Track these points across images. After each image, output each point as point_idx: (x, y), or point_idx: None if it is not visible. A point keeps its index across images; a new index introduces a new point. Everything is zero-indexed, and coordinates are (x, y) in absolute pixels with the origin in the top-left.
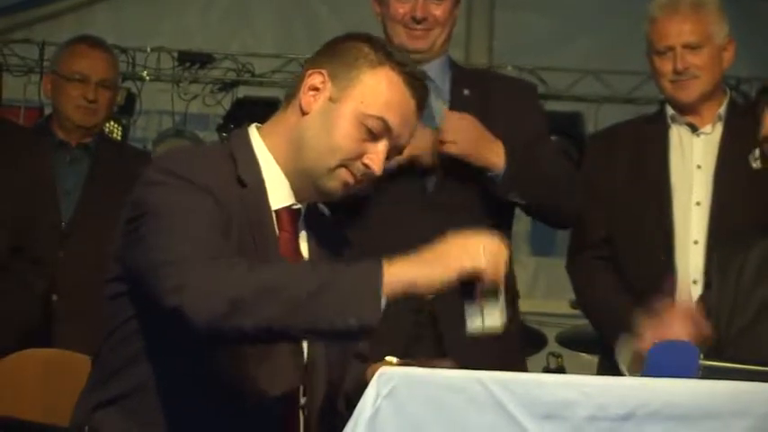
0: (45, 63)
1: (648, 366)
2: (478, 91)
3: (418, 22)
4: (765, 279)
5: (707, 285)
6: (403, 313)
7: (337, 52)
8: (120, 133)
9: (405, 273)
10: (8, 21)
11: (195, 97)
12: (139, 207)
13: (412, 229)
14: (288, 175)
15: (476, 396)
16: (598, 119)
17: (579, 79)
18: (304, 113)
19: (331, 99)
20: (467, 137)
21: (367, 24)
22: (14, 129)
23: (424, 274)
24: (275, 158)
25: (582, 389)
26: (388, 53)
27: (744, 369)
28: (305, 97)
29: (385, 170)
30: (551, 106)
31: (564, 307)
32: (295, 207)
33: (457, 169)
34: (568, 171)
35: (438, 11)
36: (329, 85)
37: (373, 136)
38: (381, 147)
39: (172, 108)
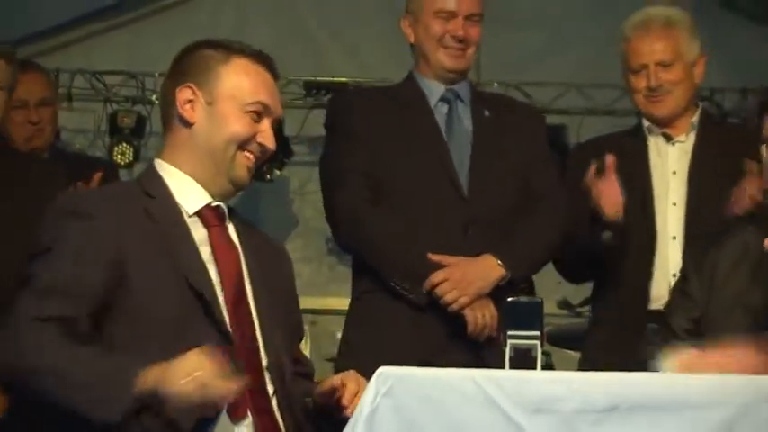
0: (60, 90)
1: None
2: (495, 112)
3: (459, 41)
4: (738, 275)
5: (683, 277)
6: (435, 317)
7: (188, 65)
8: (131, 154)
9: (151, 381)
10: (23, 51)
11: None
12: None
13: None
14: (198, 179)
15: (469, 393)
16: (581, 130)
17: (563, 93)
18: (190, 124)
19: (208, 104)
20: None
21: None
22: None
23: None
24: (180, 169)
25: (569, 384)
26: (226, 47)
27: None
28: (184, 112)
29: None
30: None
31: (552, 307)
32: (214, 205)
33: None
34: (563, 222)
35: (473, 31)
36: (199, 93)
37: (258, 116)
38: (266, 124)
39: None
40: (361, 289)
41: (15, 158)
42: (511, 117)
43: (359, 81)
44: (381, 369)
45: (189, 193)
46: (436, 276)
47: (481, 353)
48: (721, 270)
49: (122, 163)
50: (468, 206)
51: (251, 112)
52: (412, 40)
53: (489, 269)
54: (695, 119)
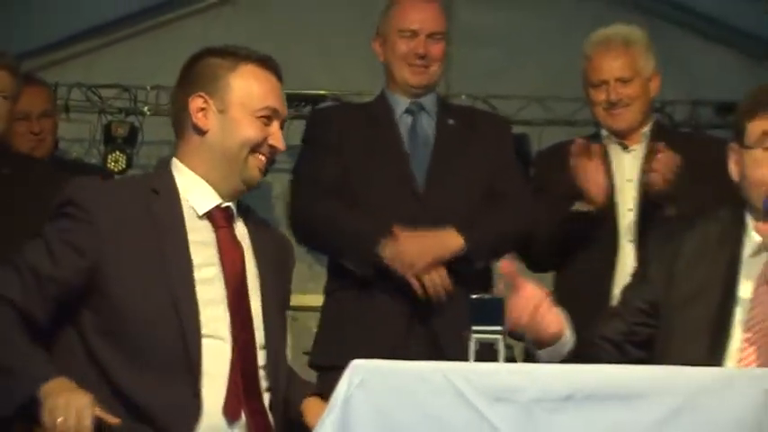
0: (58, 102)
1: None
2: (461, 122)
3: (420, 57)
4: (698, 268)
5: (645, 262)
6: (397, 312)
7: (198, 74)
8: (124, 162)
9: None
10: (24, 65)
11: None
12: None
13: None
14: (210, 181)
15: (437, 384)
16: (542, 140)
17: (525, 105)
18: (204, 132)
19: (220, 111)
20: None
21: (345, 61)
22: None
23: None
24: (194, 171)
25: (529, 375)
26: (233, 54)
27: None
28: (198, 120)
29: None
30: None
31: None
32: (224, 206)
33: (444, 180)
34: (528, 217)
35: (436, 48)
36: (211, 101)
37: (268, 120)
38: (276, 126)
39: (170, 139)
40: (333, 287)
41: (18, 161)
42: (477, 126)
43: (337, 94)
44: (355, 361)
45: (200, 195)
46: (397, 243)
47: (441, 346)
48: (682, 261)
49: (116, 170)
50: (423, 207)
51: (261, 117)
52: (382, 58)
53: (449, 238)
54: (647, 129)
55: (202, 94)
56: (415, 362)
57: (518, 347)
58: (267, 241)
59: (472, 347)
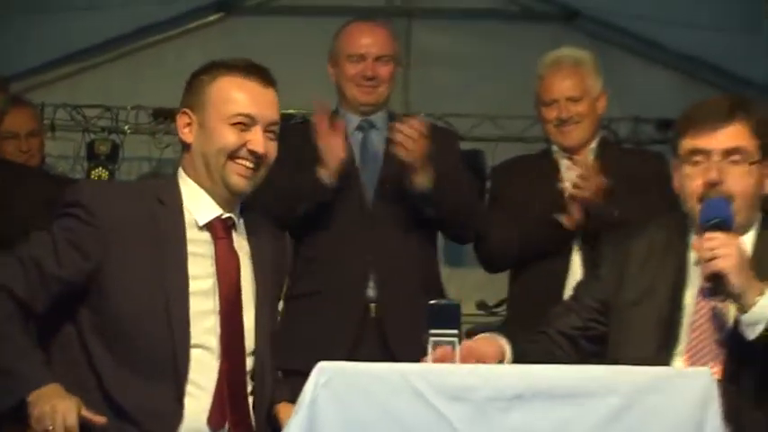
0: (45, 121)
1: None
2: None
3: (368, 79)
4: (646, 271)
5: (597, 264)
6: (348, 316)
7: (188, 92)
8: (106, 177)
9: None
10: (13, 87)
11: (168, 146)
12: None
13: (353, 243)
14: (206, 191)
15: (397, 384)
16: (495, 155)
17: (479, 123)
18: (190, 144)
19: (200, 125)
20: (418, 147)
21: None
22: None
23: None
24: (194, 181)
25: (481, 375)
26: (216, 65)
27: None
28: (183, 135)
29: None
30: None
31: (471, 308)
32: (224, 216)
33: (392, 193)
34: (477, 200)
35: (383, 70)
36: (194, 117)
37: (245, 126)
38: (255, 131)
39: (149, 155)
40: (295, 292)
41: (12, 168)
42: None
43: (303, 113)
44: (321, 363)
45: (201, 205)
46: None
47: (391, 347)
48: (632, 264)
49: None
50: (373, 218)
51: (236, 123)
52: (334, 80)
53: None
54: (594, 144)
55: (186, 110)
56: (376, 363)
57: None
58: (264, 242)
59: (430, 349)
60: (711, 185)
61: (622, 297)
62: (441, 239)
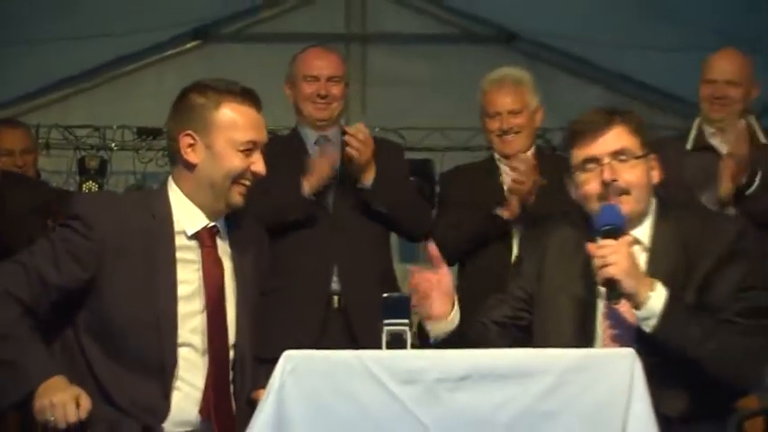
0: (39, 140)
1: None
2: None
3: (322, 98)
4: (563, 265)
5: (519, 258)
6: (314, 306)
7: (186, 113)
8: (97, 190)
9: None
10: (9, 111)
11: (151, 161)
12: None
13: (317, 242)
14: (197, 204)
15: (356, 369)
16: (444, 163)
17: (428, 135)
18: (194, 165)
19: (207, 146)
20: (366, 149)
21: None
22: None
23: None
24: (185, 194)
25: (431, 359)
26: (214, 89)
27: None
28: (188, 156)
29: None
30: (409, 155)
31: None
32: (210, 226)
33: (349, 197)
34: (420, 198)
35: (335, 89)
36: (198, 138)
37: (249, 151)
38: (257, 155)
39: (134, 170)
40: (267, 287)
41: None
42: (374, 151)
43: (272, 128)
44: (287, 352)
45: (190, 216)
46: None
47: (356, 336)
48: (550, 258)
49: None
50: (333, 224)
51: (244, 150)
52: (292, 99)
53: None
54: (531, 152)
55: (190, 132)
56: (337, 350)
57: None
58: (247, 243)
59: (384, 338)
60: (607, 184)
61: (542, 289)
62: (398, 242)
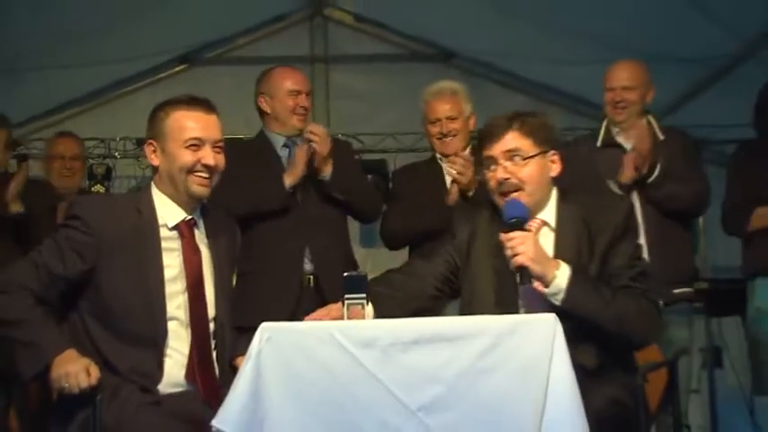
0: None
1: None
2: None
3: (305, 109)
4: (485, 241)
5: (453, 234)
6: (290, 283)
7: (150, 126)
8: (104, 192)
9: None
10: (24, 129)
11: (149, 166)
12: None
13: (289, 228)
14: (174, 200)
15: (323, 337)
16: (396, 162)
17: (383, 139)
18: (157, 167)
19: (162, 150)
20: (325, 145)
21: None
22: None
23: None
24: (162, 193)
25: (385, 327)
26: (169, 103)
27: None
28: (151, 160)
29: None
30: (367, 156)
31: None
32: (187, 219)
33: (313, 189)
34: (371, 186)
35: (308, 103)
36: (157, 145)
37: (197, 147)
38: (206, 149)
39: (135, 174)
40: (242, 269)
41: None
42: (332, 150)
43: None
44: (263, 324)
45: (170, 211)
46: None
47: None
48: (478, 235)
49: None
50: (302, 215)
51: (190, 146)
52: (269, 110)
53: (327, 166)
54: (467, 152)
55: (152, 141)
56: (307, 322)
57: None
58: (220, 233)
59: (345, 311)
60: (501, 182)
61: (471, 265)
62: (355, 225)
